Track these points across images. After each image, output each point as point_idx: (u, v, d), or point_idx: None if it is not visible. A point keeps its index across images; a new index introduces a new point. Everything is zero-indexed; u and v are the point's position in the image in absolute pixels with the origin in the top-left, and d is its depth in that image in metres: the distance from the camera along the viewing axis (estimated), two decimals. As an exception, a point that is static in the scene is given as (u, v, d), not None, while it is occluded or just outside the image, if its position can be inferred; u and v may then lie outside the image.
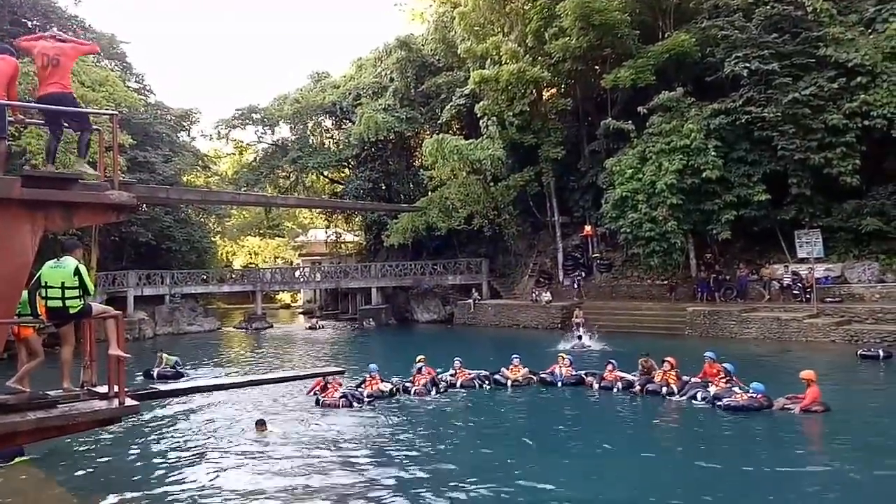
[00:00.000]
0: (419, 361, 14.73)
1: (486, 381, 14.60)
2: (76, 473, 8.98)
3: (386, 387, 13.68)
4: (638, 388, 13.34)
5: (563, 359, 14.95)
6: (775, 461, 8.69)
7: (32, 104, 6.53)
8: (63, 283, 5.80)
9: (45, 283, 5.82)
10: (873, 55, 20.90)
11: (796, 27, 22.70)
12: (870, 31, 22.26)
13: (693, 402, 12.24)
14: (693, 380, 12.96)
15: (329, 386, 13.09)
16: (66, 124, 6.43)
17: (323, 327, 33.35)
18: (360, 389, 13.46)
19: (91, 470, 9.14)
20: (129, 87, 33.72)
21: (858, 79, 20.93)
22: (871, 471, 8.19)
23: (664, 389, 12.91)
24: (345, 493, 7.97)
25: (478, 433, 11.05)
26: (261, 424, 10.90)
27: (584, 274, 29.63)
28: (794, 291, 22.45)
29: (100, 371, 6.46)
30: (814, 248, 21.27)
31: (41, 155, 21.11)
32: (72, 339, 6.22)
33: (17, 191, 5.46)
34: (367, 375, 13.99)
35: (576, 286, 29.02)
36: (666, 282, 25.24)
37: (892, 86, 20.55)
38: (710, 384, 12.44)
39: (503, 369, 14.85)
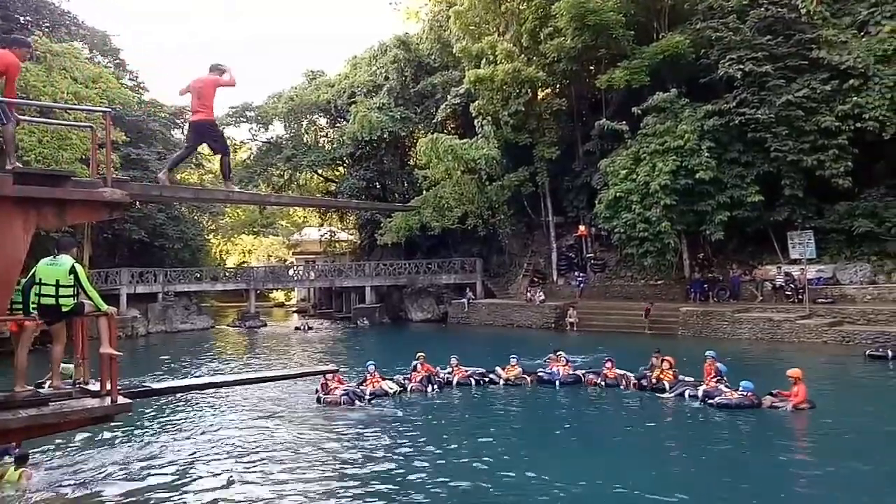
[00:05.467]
0: (418, 358, 14.78)
1: (482, 380, 14.63)
2: (65, 474, 8.92)
3: (390, 386, 13.64)
4: (633, 384, 13.49)
5: (560, 357, 14.96)
6: (767, 456, 8.86)
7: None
8: (58, 281, 5.80)
9: (40, 279, 5.81)
10: (866, 58, 21.01)
11: (790, 29, 22.80)
12: (862, 33, 22.37)
13: (682, 399, 12.36)
14: (687, 379, 13.11)
15: (330, 384, 13.08)
16: (210, 146, 7.33)
17: (311, 328, 31.87)
18: (361, 388, 13.45)
19: (81, 469, 9.08)
20: (122, 84, 33.56)
21: (851, 81, 21.03)
22: (853, 464, 8.41)
23: (653, 387, 13.10)
24: (343, 491, 7.98)
25: (474, 430, 11.05)
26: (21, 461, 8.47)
27: (585, 275, 29.64)
28: (787, 292, 22.60)
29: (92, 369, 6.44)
30: (806, 249, 21.40)
31: (33, 151, 21.08)
32: (63, 337, 6.19)
33: (9, 187, 5.43)
34: (367, 374, 14.00)
35: (579, 287, 29.03)
36: (649, 299, 24.97)
37: (885, 88, 20.65)
38: (701, 382, 12.56)
39: (497, 368, 14.89)
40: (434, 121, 33.58)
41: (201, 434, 11.02)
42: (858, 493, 7.59)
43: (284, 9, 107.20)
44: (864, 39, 21.98)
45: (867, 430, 10.15)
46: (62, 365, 6.80)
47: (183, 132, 44.65)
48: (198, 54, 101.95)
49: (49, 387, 6.28)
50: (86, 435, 10.32)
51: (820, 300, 21.43)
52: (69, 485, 8.33)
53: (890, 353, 16.00)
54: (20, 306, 5.86)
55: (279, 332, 32.09)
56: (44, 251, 6.18)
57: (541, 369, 14.85)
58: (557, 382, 14.10)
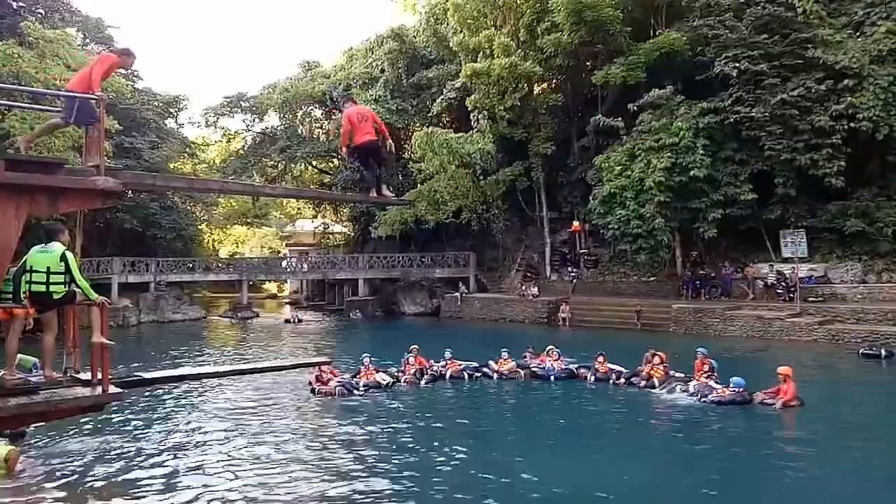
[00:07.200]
0: (412, 351, 14.82)
1: (475, 373, 14.67)
2: (51, 462, 8.88)
3: (384, 378, 13.71)
4: (623, 380, 13.53)
5: (552, 351, 15.00)
6: (756, 452, 8.96)
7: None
8: (48, 269, 5.75)
9: (31, 267, 5.76)
10: (861, 58, 21.06)
11: (786, 28, 22.83)
12: (858, 33, 22.42)
13: (670, 395, 12.42)
14: (677, 374, 13.18)
15: (324, 375, 13.09)
16: (375, 160, 8.47)
17: (301, 320, 30.98)
18: (355, 379, 13.51)
19: (69, 458, 9.05)
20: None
21: (846, 81, 21.10)
22: (840, 461, 8.56)
23: (643, 383, 13.15)
24: (335, 482, 7.99)
25: (465, 423, 11.10)
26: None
27: (578, 271, 29.64)
28: (778, 290, 22.70)
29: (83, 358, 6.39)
30: (798, 248, 21.52)
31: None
32: (55, 325, 6.14)
33: (1, 174, 5.37)
34: (362, 366, 14.04)
35: (572, 282, 29.02)
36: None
37: (879, 89, 20.74)
38: (691, 378, 12.62)
39: (491, 362, 14.92)
40: (430, 114, 33.46)
41: (192, 424, 11.00)
42: (845, 489, 7.67)
43: (284, 8, 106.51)
44: (859, 40, 22.03)
45: (856, 428, 10.25)
46: (19, 356, 6.74)
47: (177, 121, 44.62)
48: (198, 54, 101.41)
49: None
50: (76, 424, 10.27)
51: (811, 299, 21.56)
52: (57, 474, 8.30)
53: (883, 353, 16.12)
54: (11, 295, 5.82)
55: (271, 324, 31.96)
56: (36, 239, 6.14)
57: (534, 364, 14.85)
58: (552, 377, 14.12)
